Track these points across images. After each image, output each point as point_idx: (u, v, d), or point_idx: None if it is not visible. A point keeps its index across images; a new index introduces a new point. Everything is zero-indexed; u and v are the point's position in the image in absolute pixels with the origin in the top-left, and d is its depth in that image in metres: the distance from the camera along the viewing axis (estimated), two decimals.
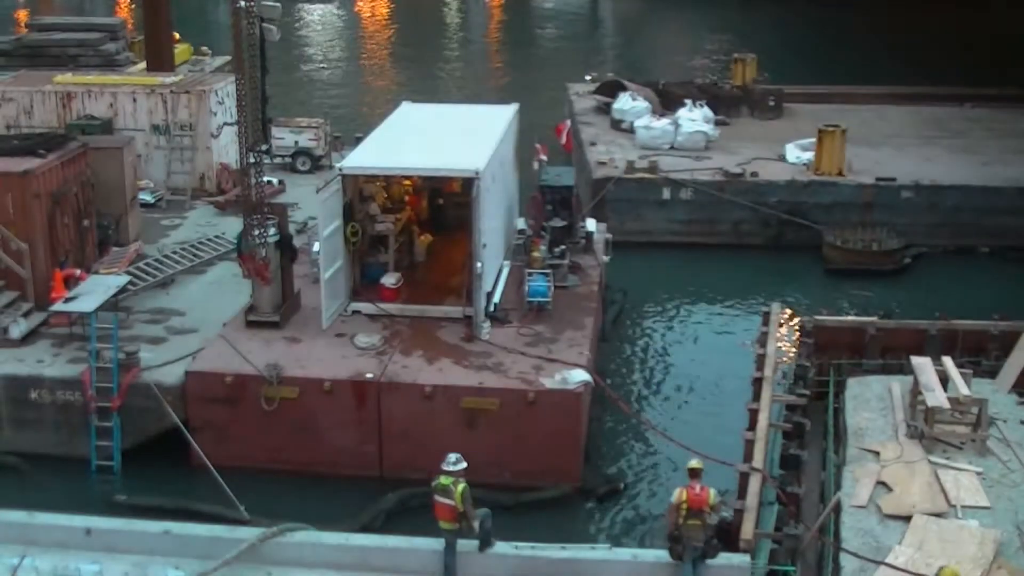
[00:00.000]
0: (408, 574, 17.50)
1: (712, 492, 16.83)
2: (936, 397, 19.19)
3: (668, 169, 35.99)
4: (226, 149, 33.64)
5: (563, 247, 26.87)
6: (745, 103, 44.84)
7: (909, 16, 71.00)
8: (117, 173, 28.45)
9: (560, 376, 21.88)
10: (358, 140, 28.85)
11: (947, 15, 70.87)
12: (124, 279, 25.12)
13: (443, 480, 17.00)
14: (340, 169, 24.49)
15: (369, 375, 21.99)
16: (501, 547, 17.59)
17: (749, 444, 19.38)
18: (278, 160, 36.05)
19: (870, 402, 20.65)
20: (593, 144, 39.46)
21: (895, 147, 39.65)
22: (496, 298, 25.28)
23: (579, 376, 21.90)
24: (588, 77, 50.24)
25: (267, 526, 18.15)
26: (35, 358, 23.13)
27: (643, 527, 21.15)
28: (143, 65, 46.62)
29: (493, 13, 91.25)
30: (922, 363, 20.29)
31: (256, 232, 23.37)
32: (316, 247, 24.89)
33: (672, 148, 38.58)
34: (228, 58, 45.64)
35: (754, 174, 35.77)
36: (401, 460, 21.76)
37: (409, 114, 29.49)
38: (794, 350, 24.69)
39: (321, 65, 68.29)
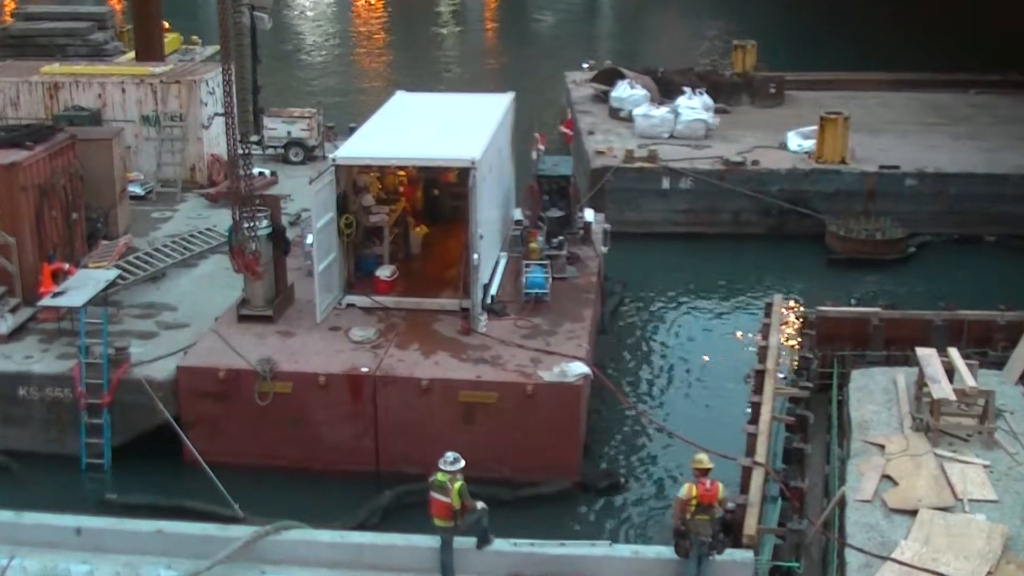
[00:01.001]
0: (405, 572, 17.45)
1: (721, 486, 16.83)
2: (942, 389, 19.15)
3: (667, 158, 35.94)
4: (217, 140, 33.44)
5: (561, 238, 26.83)
6: (745, 91, 44.78)
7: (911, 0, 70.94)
8: (106, 165, 28.38)
9: (558, 369, 21.84)
10: (352, 130, 28.80)
11: None
12: (114, 273, 25.06)
13: (440, 477, 16.96)
14: (333, 160, 24.41)
15: (364, 369, 21.95)
16: (499, 544, 17.55)
17: (751, 438, 19.35)
18: (270, 151, 36.06)
19: (874, 394, 20.60)
20: (591, 133, 39.44)
21: (898, 134, 39.64)
22: (493, 290, 25.24)
23: (578, 369, 21.86)
24: (585, 65, 50.21)
25: (261, 524, 18.11)
26: (23, 354, 23.03)
27: (645, 522, 21.14)
28: (132, 55, 46.55)
29: (488, 0, 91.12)
30: (927, 354, 20.25)
31: (246, 225, 23.27)
32: (309, 239, 24.85)
33: (671, 137, 38.56)
34: (219, 47, 45.54)
35: (755, 163, 35.72)
36: (398, 455, 21.70)
37: (403, 103, 29.42)
38: (797, 342, 24.67)
39: (313, 54, 68.25)
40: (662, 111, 39.44)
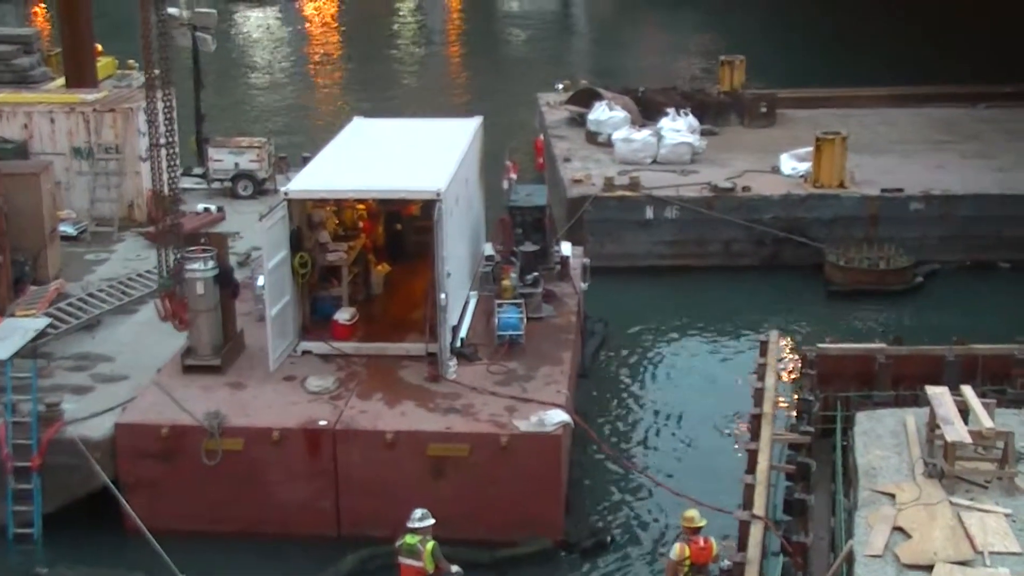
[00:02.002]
0: None
1: (715, 542, 16.78)
2: (956, 431, 19.14)
3: (651, 185, 36.07)
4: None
5: (536, 274, 26.80)
6: (734, 110, 45.07)
7: (909, 7, 71.46)
8: (33, 202, 28.22)
9: (536, 418, 21.79)
10: (305, 160, 28.78)
11: (950, 4, 71.44)
12: (44, 322, 24.89)
13: (409, 539, 16.88)
14: (286, 193, 24.38)
15: (323, 422, 21.84)
16: None
17: (749, 489, 19.31)
18: (216, 185, 35.98)
19: (882, 438, 20.58)
20: (567, 160, 39.56)
21: (902, 154, 39.92)
22: (463, 333, 25.22)
23: (557, 417, 21.81)
24: (560, 85, 50.40)
25: None
26: None
27: None
28: (62, 81, 46.33)
29: (453, 16, 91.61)
30: (939, 393, 20.25)
31: (173, 266, 23.17)
32: (261, 281, 24.75)
33: (654, 162, 38.73)
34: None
35: (746, 188, 35.90)
36: (361, 516, 21.58)
37: (361, 130, 29.45)
38: (796, 383, 24.70)
39: (263, 78, 68.35)
40: (644, 134, 39.60)
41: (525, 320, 25.10)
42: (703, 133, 40.40)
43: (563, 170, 38.33)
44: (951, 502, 18.38)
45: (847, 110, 45.88)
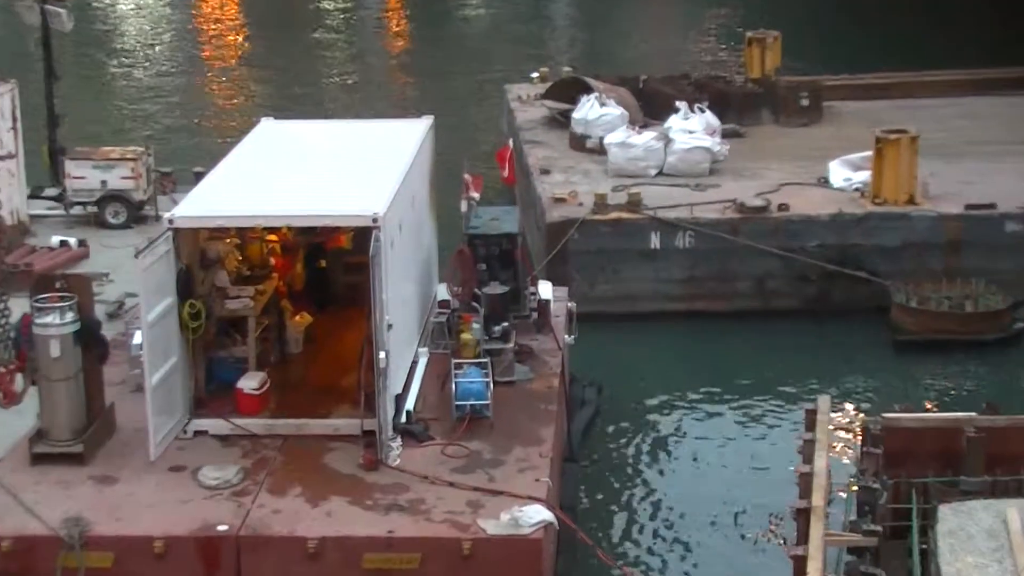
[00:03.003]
0: None
1: None
2: None
3: (656, 205, 36.13)
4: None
5: (505, 324, 26.72)
6: (766, 104, 45.44)
7: None
8: None
9: (509, 516, 21.65)
10: (198, 177, 28.66)
11: None
12: None
13: None
14: (171, 220, 24.22)
15: (222, 527, 21.63)
16: None
17: None
18: (77, 210, 35.87)
19: (975, 539, 20.45)
20: (545, 172, 39.62)
21: (989, 157, 40.21)
22: (409, 404, 25.12)
23: (537, 515, 21.68)
24: (535, 75, 50.68)
25: None
26: None
27: None
28: None
29: None
30: None
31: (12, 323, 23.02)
32: (138, 338, 24.56)
33: (661, 174, 38.88)
34: None
35: (783, 207, 35.97)
36: None
37: (272, 136, 29.49)
38: (856, 465, 24.56)
39: (140, 67, 68.38)
40: (646, 138, 39.71)
41: (492, 386, 24.97)
42: (724, 135, 40.67)
43: (540, 186, 38.39)
44: None
45: (914, 101, 46.21)
